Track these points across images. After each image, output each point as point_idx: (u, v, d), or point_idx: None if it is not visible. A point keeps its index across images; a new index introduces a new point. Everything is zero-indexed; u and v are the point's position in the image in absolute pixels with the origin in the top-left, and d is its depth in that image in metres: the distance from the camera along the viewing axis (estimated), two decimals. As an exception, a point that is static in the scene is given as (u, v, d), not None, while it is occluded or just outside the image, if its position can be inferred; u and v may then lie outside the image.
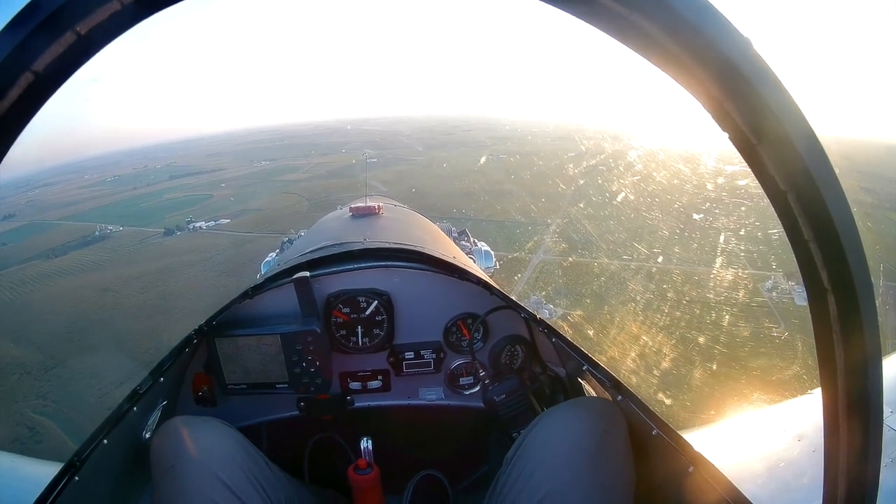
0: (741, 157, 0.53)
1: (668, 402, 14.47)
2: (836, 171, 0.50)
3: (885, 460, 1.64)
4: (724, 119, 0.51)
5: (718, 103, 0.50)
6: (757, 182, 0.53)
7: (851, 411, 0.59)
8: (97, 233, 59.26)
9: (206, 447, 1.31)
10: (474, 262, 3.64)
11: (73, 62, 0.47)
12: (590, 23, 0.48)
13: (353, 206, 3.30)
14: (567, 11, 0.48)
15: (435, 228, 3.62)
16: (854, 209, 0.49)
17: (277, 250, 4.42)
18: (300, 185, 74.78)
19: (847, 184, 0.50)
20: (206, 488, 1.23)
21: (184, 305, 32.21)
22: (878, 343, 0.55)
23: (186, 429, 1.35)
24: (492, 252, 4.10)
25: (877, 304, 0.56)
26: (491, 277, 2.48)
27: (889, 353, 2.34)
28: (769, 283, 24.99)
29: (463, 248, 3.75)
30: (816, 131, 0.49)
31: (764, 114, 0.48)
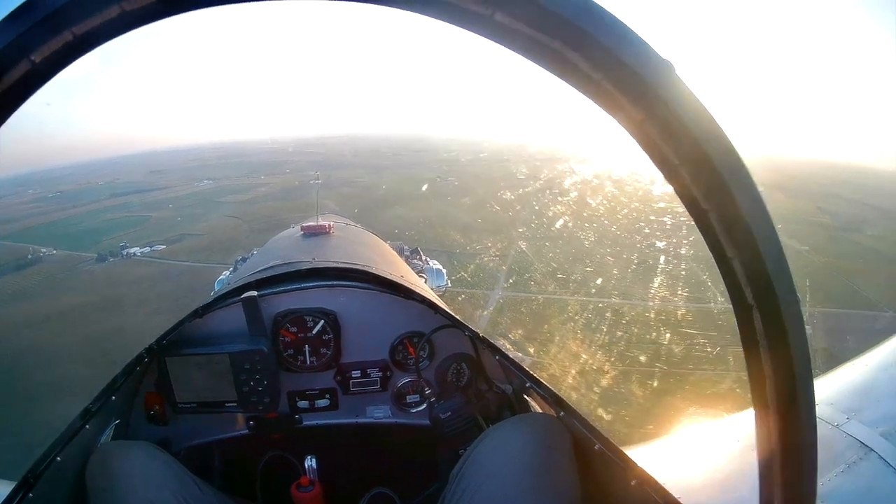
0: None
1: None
2: (761, 189, 0.51)
3: (841, 466, 1.70)
4: (645, 141, 0.51)
5: (638, 125, 0.50)
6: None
7: (783, 425, 0.59)
8: (30, 256, 54.63)
9: (135, 471, 1.36)
10: (425, 280, 3.69)
11: (66, 58, 0.48)
12: (514, 50, 0.48)
13: (304, 224, 3.32)
14: (493, 40, 0.48)
15: (385, 247, 3.67)
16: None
17: (231, 269, 4.40)
18: (242, 207, 72.29)
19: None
20: None
21: (107, 347, 28.92)
22: (807, 357, 0.56)
23: (117, 454, 1.41)
24: (444, 270, 4.09)
25: (804, 319, 0.56)
26: (442, 297, 2.48)
27: (850, 360, 2.40)
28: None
29: (415, 267, 3.79)
30: (739, 150, 0.49)
31: (684, 135, 0.48)
